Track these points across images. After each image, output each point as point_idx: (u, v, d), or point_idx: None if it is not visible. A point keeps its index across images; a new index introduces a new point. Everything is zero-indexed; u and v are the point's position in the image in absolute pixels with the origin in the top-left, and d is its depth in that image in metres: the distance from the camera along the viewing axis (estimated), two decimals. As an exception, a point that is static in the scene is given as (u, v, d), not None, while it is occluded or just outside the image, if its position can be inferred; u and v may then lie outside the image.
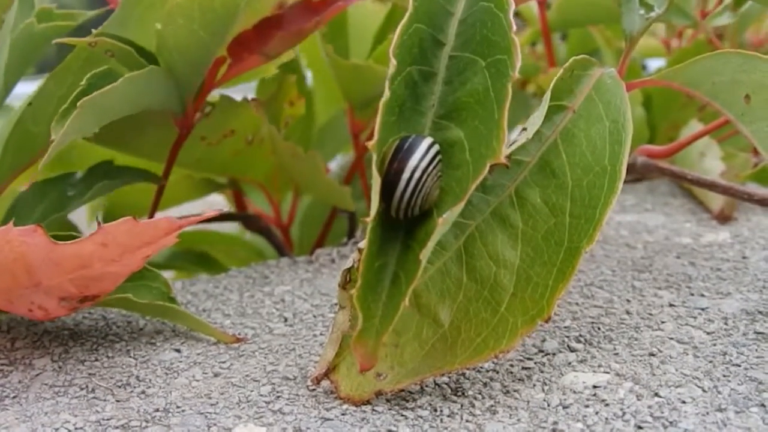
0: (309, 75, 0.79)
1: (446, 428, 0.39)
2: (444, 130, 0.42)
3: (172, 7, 0.50)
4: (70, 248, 0.41)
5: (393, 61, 0.41)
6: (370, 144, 0.39)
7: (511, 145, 0.43)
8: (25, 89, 0.57)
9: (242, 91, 0.64)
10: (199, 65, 0.53)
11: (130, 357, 0.48)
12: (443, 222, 0.38)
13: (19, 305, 0.44)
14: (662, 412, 0.39)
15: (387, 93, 0.40)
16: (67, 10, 0.55)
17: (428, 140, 0.40)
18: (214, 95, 0.59)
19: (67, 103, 0.47)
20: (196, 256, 0.78)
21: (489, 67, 0.41)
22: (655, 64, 0.98)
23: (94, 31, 0.51)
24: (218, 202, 0.86)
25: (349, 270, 0.42)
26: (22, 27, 0.51)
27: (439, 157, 0.40)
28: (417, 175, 0.39)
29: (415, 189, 0.39)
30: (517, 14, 0.43)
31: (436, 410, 0.41)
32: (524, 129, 0.43)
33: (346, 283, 0.42)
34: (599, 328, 0.48)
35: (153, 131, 0.57)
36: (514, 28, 0.42)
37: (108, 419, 0.41)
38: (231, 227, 0.88)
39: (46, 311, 0.45)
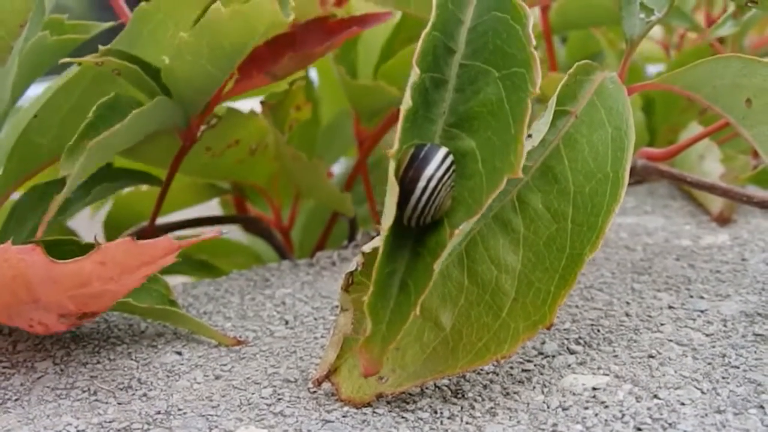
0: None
1: (446, 430, 0.39)
2: (455, 139, 0.41)
3: (180, 43, 0.50)
4: (68, 267, 0.42)
5: (416, 70, 0.41)
6: (390, 152, 0.39)
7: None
8: (27, 92, 0.57)
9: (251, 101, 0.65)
10: (206, 92, 0.54)
11: (132, 360, 0.48)
12: (459, 233, 0.38)
13: (19, 320, 0.45)
14: (661, 414, 0.39)
15: (409, 102, 0.40)
16: (77, 21, 0.55)
17: (444, 150, 0.40)
18: (221, 107, 0.59)
19: (73, 139, 0.47)
20: (196, 264, 0.78)
21: (503, 79, 0.41)
22: (653, 69, 0.98)
23: (100, 46, 0.51)
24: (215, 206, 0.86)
25: (351, 273, 0.42)
26: (35, 39, 0.51)
27: (453, 167, 0.40)
28: (432, 184, 0.39)
29: (430, 198, 0.39)
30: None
31: (436, 412, 0.41)
32: (530, 135, 0.44)
33: (348, 286, 0.42)
34: (599, 331, 0.48)
35: (159, 141, 0.57)
36: (534, 42, 0.41)
37: (110, 422, 0.41)
38: (230, 233, 0.88)
39: (45, 326, 0.45)
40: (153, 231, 0.59)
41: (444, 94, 0.42)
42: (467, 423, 0.40)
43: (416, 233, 0.41)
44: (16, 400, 0.44)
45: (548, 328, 0.42)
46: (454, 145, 0.41)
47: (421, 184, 0.39)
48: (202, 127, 0.57)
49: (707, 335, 0.47)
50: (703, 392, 0.41)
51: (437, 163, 0.40)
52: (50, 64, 0.54)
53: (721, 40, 0.81)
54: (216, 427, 0.40)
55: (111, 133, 0.47)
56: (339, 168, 0.86)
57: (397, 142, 0.40)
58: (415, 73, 0.41)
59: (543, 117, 0.44)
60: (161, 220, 0.64)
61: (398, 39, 0.70)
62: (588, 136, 0.45)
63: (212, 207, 0.80)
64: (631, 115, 0.45)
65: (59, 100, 0.53)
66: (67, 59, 0.51)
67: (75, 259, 0.41)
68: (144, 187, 0.71)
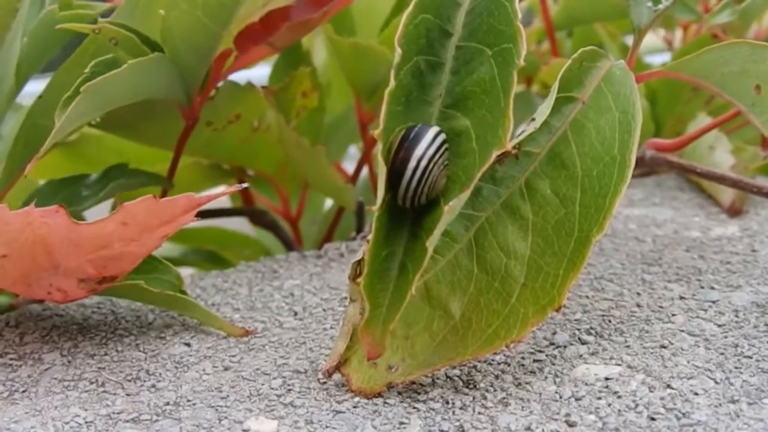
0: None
1: (458, 420, 0.39)
2: (451, 119, 0.42)
3: None
4: (90, 228, 0.41)
5: (398, 50, 0.41)
6: (376, 133, 0.40)
7: (519, 135, 0.43)
8: (32, 88, 0.57)
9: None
10: (204, 53, 0.53)
11: (140, 351, 0.48)
12: (449, 210, 0.38)
13: (37, 289, 0.44)
14: (675, 404, 0.39)
15: (393, 82, 0.41)
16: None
17: (434, 129, 0.40)
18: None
19: (70, 90, 0.47)
20: (204, 255, 0.78)
21: (495, 56, 0.41)
22: (656, 60, 0.97)
23: (100, 19, 0.51)
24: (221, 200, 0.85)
25: (359, 262, 0.42)
26: (44, 14, 0.51)
27: (445, 145, 0.40)
28: (423, 163, 0.39)
29: (422, 177, 0.39)
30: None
31: (448, 402, 0.41)
32: (533, 119, 0.43)
33: (356, 276, 0.42)
34: (610, 321, 0.48)
35: (160, 119, 0.57)
36: (520, 16, 0.42)
37: (118, 413, 0.41)
38: (238, 225, 0.87)
39: (65, 293, 0.44)
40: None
41: (440, 76, 0.42)
42: (479, 413, 0.40)
43: (414, 215, 0.41)
44: (23, 391, 0.44)
45: (557, 311, 0.41)
46: (450, 125, 0.41)
47: (412, 164, 0.39)
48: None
49: (719, 326, 0.47)
50: (716, 382, 0.41)
51: (427, 142, 0.40)
52: (59, 42, 0.54)
53: (724, 31, 0.81)
54: (225, 417, 0.40)
55: (106, 79, 0.47)
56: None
57: (382, 122, 0.40)
58: (398, 54, 0.41)
59: (546, 101, 0.44)
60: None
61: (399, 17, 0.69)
62: (595, 121, 0.45)
63: (219, 201, 0.80)
64: (638, 99, 0.45)
65: (62, 80, 0.53)
66: (65, 24, 0.51)
67: (97, 220, 0.41)
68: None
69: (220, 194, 0.43)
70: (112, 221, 0.41)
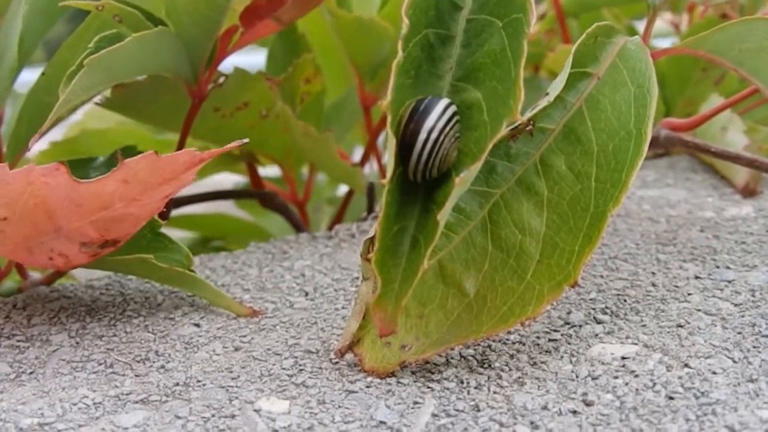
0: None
1: (474, 400, 0.38)
2: (462, 92, 0.41)
3: None
4: (91, 187, 0.41)
5: (406, 21, 0.40)
6: (384, 104, 0.39)
7: (533, 110, 0.43)
8: (32, 77, 0.56)
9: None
10: (209, 27, 0.52)
11: (149, 332, 0.47)
12: (460, 182, 0.38)
13: (39, 254, 0.44)
14: (693, 383, 0.39)
15: (401, 54, 0.40)
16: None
17: (445, 101, 0.40)
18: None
19: (74, 65, 0.46)
20: (212, 248, 0.78)
21: (506, 27, 0.41)
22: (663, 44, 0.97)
23: None
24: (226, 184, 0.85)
25: (371, 239, 0.41)
26: None
27: (456, 117, 0.40)
28: (434, 135, 0.39)
29: (433, 150, 0.39)
30: None
31: (462, 382, 0.40)
32: (546, 93, 0.43)
33: (368, 253, 0.41)
34: (625, 300, 0.47)
35: (166, 98, 0.57)
36: None
37: (127, 394, 0.40)
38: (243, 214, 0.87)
39: (66, 258, 0.44)
40: (167, 204, 0.58)
41: (451, 50, 0.42)
42: (495, 393, 0.39)
43: (425, 189, 0.40)
44: (30, 373, 0.43)
45: (573, 287, 0.41)
46: (461, 98, 0.41)
47: (422, 136, 0.39)
48: (209, 86, 0.56)
49: (736, 305, 0.46)
50: (734, 361, 0.40)
51: (438, 114, 0.39)
52: (61, 13, 0.53)
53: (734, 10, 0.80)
54: (236, 398, 0.40)
55: (110, 52, 0.46)
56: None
57: (390, 94, 0.39)
58: (405, 25, 0.40)
59: (559, 75, 0.43)
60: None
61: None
62: (611, 96, 0.44)
63: (221, 185, 0.79)
64: (653, 73, 0.45)
65: (65, 57, 0.52)
66: (68, 2, 0.50)
67: (98, 178, 0.41)
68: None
69: (224, 150, 0.42)
70: (113, 179, 0.41)
